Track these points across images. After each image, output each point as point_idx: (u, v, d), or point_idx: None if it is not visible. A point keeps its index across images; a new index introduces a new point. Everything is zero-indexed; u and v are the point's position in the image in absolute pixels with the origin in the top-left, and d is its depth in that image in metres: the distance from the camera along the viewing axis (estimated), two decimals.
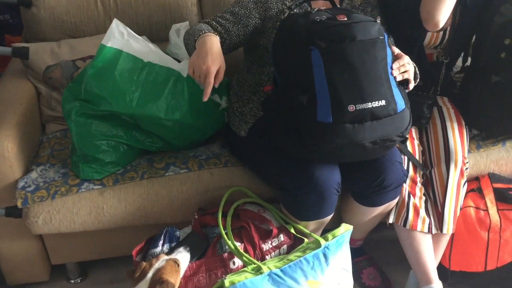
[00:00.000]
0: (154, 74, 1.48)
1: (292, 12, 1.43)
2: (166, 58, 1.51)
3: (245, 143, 1.56)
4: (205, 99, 1.34)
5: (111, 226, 1.58)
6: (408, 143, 1.60)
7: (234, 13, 1.51)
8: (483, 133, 1.71)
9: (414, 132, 1.66)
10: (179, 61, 1.66)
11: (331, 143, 1.26)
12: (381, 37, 1.27)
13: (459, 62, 1.77)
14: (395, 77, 1.31)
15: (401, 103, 1.30)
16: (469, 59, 1.75)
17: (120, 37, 1.45)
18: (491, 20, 1.56)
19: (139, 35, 1.84)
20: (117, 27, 1.47)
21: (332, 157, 1.36)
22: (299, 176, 1.37)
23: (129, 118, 1.53)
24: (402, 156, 1.54)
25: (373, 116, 1.25)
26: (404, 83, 1.38)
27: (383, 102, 1.25)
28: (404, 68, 1.35)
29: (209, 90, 1.33)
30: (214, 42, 1.37)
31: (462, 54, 1.75)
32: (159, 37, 1.88)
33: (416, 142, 1.64)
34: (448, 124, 1.64)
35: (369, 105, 1.23)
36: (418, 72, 1.47)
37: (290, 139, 1.34)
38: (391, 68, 1.31)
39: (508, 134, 1.70)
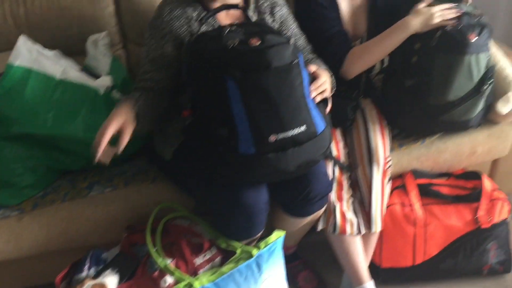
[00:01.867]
0: (69, 92, 1.42)
1: (200, 32, 1.37)
2: (80, 75, 1.45)
3: (171, 164, 1.52)
4: (95, 161, 1.26)
5: (33, 253, 1.50)
6: (334, 147, 1.63)
7: (152, 60, 1.44)
8: (402, 133, 1.77)
9: (339, 134, 1.69)
10: (97, 76, 1.61)
11: (255, 173, 1.27)
12: (295, 60, 1.25)
13: (378, 64, 1.82)
14: (313, 99, 1.31)
15: (320, 124, 1.30)
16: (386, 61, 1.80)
17: (28, 54, 1.37)
18: None
19: (54, 49, 1.78)
20: (24, 44, 1.39)
21: (257, 181, 1.37)
22: (227, 200, 1.35)
23: (46, 138, 1.45)
24: (327, 162, 1.58)
25: (295, 143, 1.25)
26: (323, 100, 1.38)
27: (303, 128, 1.25)
28: (322, 87, 1.35)
29: (99, 150, 1.24)
30: (121, 105, 1.31)
31: None
32: (76, 50, 1.79)
33: (341, 144, 1.67)
34: (370, 125, 1.69)
35: (290, 133, 1.23)
36: (334, 81, 1.49)
37: (213, 169, 1.32)
38: (309, 90, 1.30)
39: (426, 134, 1.76)
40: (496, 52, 1.82)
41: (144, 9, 1.83)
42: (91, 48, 1.72)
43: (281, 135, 1.22)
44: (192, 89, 1.33)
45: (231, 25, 1.32)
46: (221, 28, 1.32)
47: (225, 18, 1.49)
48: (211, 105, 1.28)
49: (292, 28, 1.57)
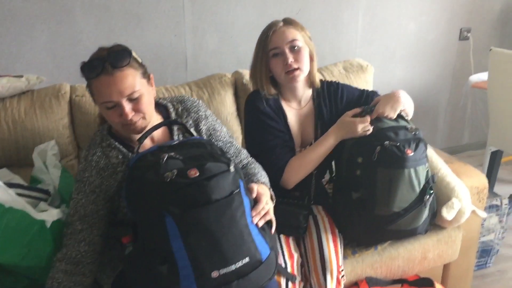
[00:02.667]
0: (16, 221, 1.35)
1: (140, 157, 1.28)
2: (28, 206, 1.40)
3: None
4: None
5: None
6: (288, 258, 1.62)
7: (82, 218, 1.37)
8: (353, 243, 1.79)
9: (292, 244, 1.68)
10: (46, 191, 1.58)
11: None
12: (236, 190, 1.20)
13: (328, 173, 1.89)
14: (256, 224, 1.27)
15: (265, 250, 1.26)
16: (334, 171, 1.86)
17: None
18: (344, 139, 1.69)
19: (5, 161, 1.76)
20: None
21: None
22: None
23: None
24: (280, 276, 1.55)
25: (239, 275, 1.19)
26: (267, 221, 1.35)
27: (247, 259, 1.20)
28: (264, 210, 1.31)
29: None
30: None
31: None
32: (28, 162, 1.77)
33: (296, 255, 1.64)
34: (322, 233, 1.70)
35: (233, 267, 1.18)
36: (273, 194, 1.46)
37: None
38: (251, 216, 1.26)
39: (376, 242, 1.79)
40: (437, 160, 1.93)
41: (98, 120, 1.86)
42: (38, 160, 1.71)
43: (224, 271, 1.17)
44: (131, 217, 1.27)
45: (169, 146, 1.28)
46: (160, 150, 1.27)
47: (149, 143, 1.46)
48: (150, 240, 1.21)
49: (221, 137, 1.56)
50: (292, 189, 1.72)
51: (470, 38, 3.32)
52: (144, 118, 1.37)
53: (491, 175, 2.89)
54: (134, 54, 1.37)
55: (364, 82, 2.25)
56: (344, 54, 2.95)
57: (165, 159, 1.21)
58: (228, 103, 2.05)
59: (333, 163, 1.83)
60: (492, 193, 2.74)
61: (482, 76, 3.00)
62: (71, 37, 2.32)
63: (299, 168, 1.68)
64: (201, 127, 1.53)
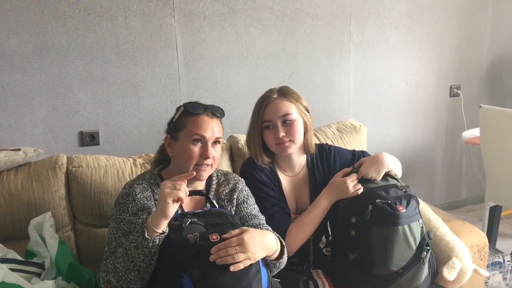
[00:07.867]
0: None
1: None
2: (22, 280, 1.40)
3: None
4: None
5: None
6: None
7: (126, 234, 1.41)
8: None
9: None
10: (41, 265, 1.56)
11: None
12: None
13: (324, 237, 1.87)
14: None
15: None
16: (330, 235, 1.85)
17: None
18: (336, 201, 1.70)
19: (1, 233, 1.74)
20: None
21: None
22: None
23: None
24: None
25: None
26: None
27: None
28: (230, 246, 1.28)
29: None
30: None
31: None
32: (24, 235, 1.76)
33: None
34: None
35: None
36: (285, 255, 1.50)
37: None
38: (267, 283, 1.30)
39: None
40: (435, 219, 1.92)
41: (95, 191, 1.87)
42: (34, 232, 1.70)
43: None
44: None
45: (193, 214, 1.36)
46: (183, 216, 1.35)
47: (189, 201, 1.56)
48: None
49: (248, 209, 1.61)
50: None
51: (461, 94, 3.39)
52: (211, 167, 1.53)
53: (492, 231, 2.87)
54: None
55: (357, 142, 2.28)
56: (338, 114, 3.01)
57: (187, 223, 1.30)
58: (223, 168, 2.06)
59: (329, 226, 1.82)
60: (494, 250, 2.70)
61: (475, 132, 3.04)
62: (68, 108, 2.37)
63: (298, 234, 1.67)
64: (233, 198, 1.62)
